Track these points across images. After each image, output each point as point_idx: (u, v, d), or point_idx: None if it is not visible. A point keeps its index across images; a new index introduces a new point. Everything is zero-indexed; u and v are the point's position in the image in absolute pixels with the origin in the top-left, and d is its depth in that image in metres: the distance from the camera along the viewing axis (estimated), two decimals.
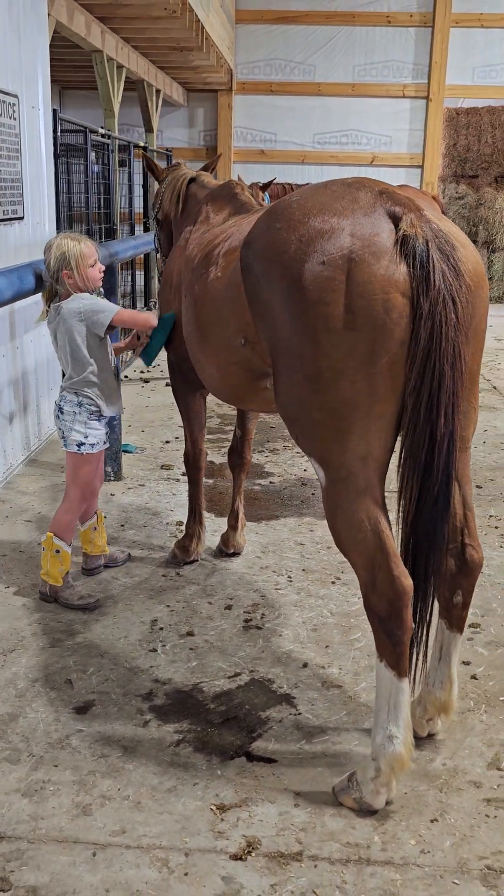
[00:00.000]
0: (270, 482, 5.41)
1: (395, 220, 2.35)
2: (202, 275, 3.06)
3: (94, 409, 3.54)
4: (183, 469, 5.51)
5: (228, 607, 3.73)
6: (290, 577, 4.04)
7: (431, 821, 2.49)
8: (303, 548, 4.38)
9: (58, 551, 3.61)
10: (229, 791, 2.58)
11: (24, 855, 2.32)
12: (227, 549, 4.21)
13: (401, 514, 2.47)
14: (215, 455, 5.84)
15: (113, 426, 4.85)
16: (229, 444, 6.17)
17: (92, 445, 3.57)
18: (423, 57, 12.65)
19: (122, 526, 4.59)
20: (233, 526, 4.18)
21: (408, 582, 2.37)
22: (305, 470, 5.61)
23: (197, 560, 4.17)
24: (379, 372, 2.31)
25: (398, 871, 2.30)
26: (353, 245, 2.32)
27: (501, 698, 3.10)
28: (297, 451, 6.05)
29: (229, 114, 12.93)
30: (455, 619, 2.69)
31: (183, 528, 4.58)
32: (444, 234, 2.36)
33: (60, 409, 3.56)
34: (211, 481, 5.32)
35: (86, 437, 3.54)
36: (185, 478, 5.35)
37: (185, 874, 2.27)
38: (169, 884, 2.23)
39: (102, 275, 3.42)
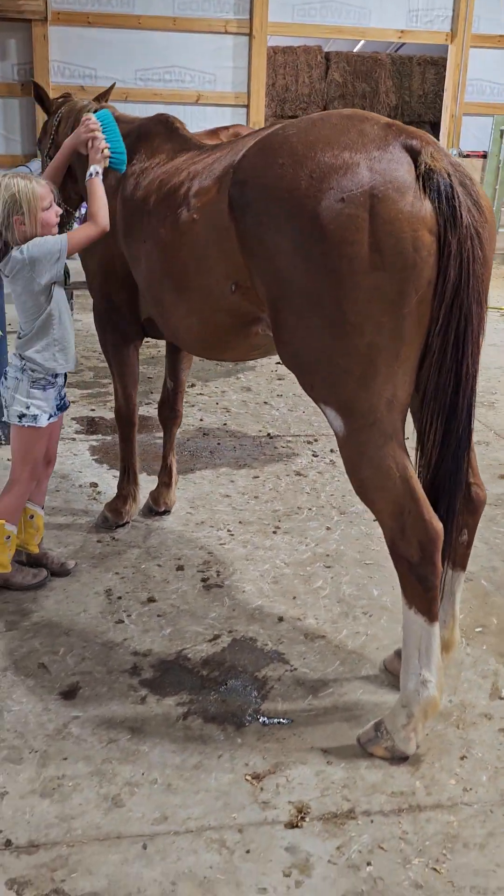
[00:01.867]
0: None
1: (413, 153, 2.25)
2: (166, 217, 2.81)
3: (38, 376, 3.10)
4: (77, 427, 5.23)
5: (180, 568, 3.57)
6: (229, 530, 3.93)
7: (461, 758, 2.52)
8: (230, 499, 4.27)
9: (8, 537, 3.24)
10: (257, 758, 2.49)
11: (68, 861, 2.12)
12: (157, 508, 4.02)
13: (422, 457, 2.42)
14: (102, 410, 5.55)
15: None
16: (111, 398, 5.93)
17: (34, 417, 3.13)
18: None
19: None
20: (166, 483, 3.99)
21: (439, 525, 2.34)
22: (202, 420, 5.46)
23: (129, 522, 3.96)
24: (407, 313, 2.22)
25: (450, 812, 2.31)
26: (374, 180, 2.20)
27: (477, 629, 3.18)
28: (187, 400, 5.88)
29: (45, 46, 12.08)
30: (460, 558, 2.70)
31: (98, 489, 4.35)
32: (460, 167, 2.29)
33: (4, 376, 3.15)
34: (108, 437, 5.06)
35: (27, 407, 3.11)
36: (81, 436, 5.10)
37: (247, 851, 2.16)
38: (234, 864, 2.12)
39: (59, 219, 3.02)
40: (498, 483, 4.55)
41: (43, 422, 3.14)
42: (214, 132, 6.06)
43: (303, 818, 2.26)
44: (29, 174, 2.95)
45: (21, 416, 3.12)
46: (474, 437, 2.48)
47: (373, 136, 2.28)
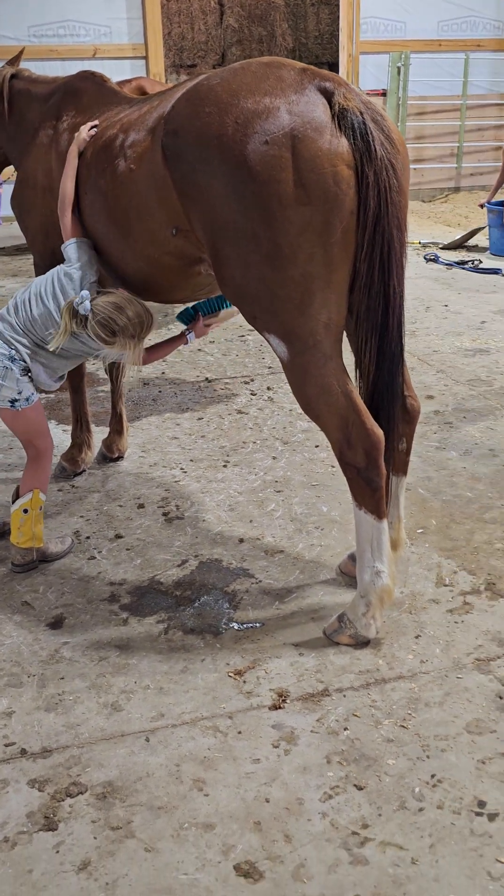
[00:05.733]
0: None
1: (327, 94, 2.46)
2: (105, 169, 2.96)
3: (25, 365, 3.12)
4: None
5: (141, 506, 3.79)
6: (182, 469, 4.16)
7: (416, 637, 2.83)
8: (179, 441, 4.49)
9: (41, 508, 3.29)
10: (236, 658, 2.76)
11: (80, 759, 2.36)
12: (111, 454, 4.22)
13: (360, 374, 2.68)
14: None
15: None
16: None
17: (27, 399, 3.14)
18: None
19: None
20: (117, 430, 4.19)
21: (380, 432, 2.61)
22: (140, 370, 5.64)
23: (85, 470, 4.15)
24: (335, 242, 2.46)
25: (411, 680, 2.63)
26: (293, 122, 2.41)
27: (419, 531, 3.50)
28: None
29: None
30: (400, 464, 2.98)
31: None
32: (371, 104, 2.51)
33: None
34: (52, 396, 5.21)
35: (19, 393, 3.11)
36: None
37: (239, 733, 2.44)
38: (229, 744, 2.40)
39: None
40: (426, 403, 4.86)
41: (34, 399, 3.18)
42: (118, 86, 6.12)
43: (284, 701, 2.55)
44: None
45: (13, 401, 3.13)
46: None
47: (290, 81, 2.49)
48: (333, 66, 14.74)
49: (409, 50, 11.93)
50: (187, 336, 3.36)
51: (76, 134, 3.17)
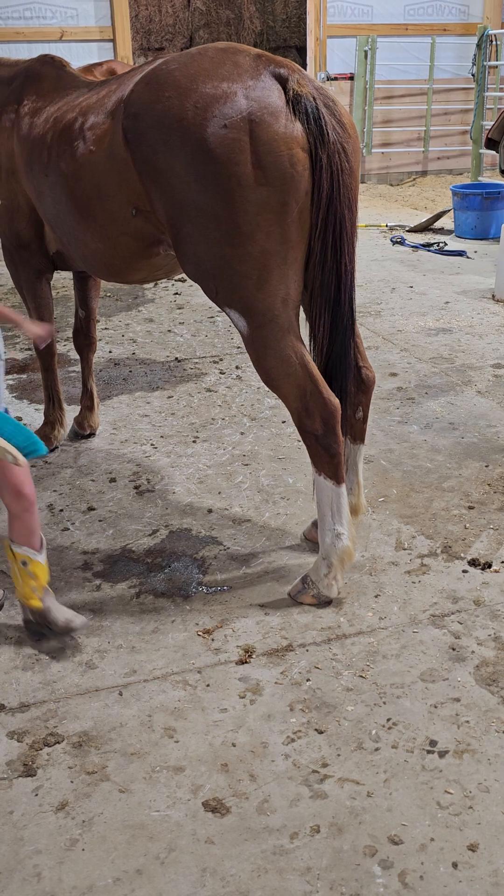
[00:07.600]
0: None
1: (282, 80, 2.59)
2: (66, 151, 3.07)
3: None
4: None
5: (112, 480, 3.92)
6: (153, 444, 4.28)
7: (375, 596, 2.99)
8: (149, 418, 4.61)
9: (25, 563, 2.74)
10: (205, 618, 2.90)
11: (57, 712, 2.50)
12: (83, 431, 4.34)
13: (314, 346, 2.82)
14: (12, 352, 5.77)
15: None
16: (18, 339, 6.14)
17: None
18: None
19: None
20: (88, 407, 4.30)
21: (337, 401, 2.76)
22: (111, 352, 5.75)
23: (58, 447, 4.27)
24: (291, 221, 2.59)
25: (370, 636, 2.79)
26: (250, 107, 2.54)
27: (380, 499, 3.66)
28: None
29: None
30: (358, 432, 3.13)
31: (23, 422, 4.62)
32: (323, 90, 2.65)
33: None
34: (24, 376, 5.31)
35: None
36: None
37: (208, 685, 2.59)
38: (198, 696, 2.55)
39: None
40: (389, 380, 5.03)
41: None
42: (89, 69, 6.20)
43: (250, 656, 2.70)
44: None
45: None
46: (365, 343, 2.87)
47: (246, 66, 2.61)
48: (301, 50, 14.80)
49: (377, 34, 12.03)
50: None
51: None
